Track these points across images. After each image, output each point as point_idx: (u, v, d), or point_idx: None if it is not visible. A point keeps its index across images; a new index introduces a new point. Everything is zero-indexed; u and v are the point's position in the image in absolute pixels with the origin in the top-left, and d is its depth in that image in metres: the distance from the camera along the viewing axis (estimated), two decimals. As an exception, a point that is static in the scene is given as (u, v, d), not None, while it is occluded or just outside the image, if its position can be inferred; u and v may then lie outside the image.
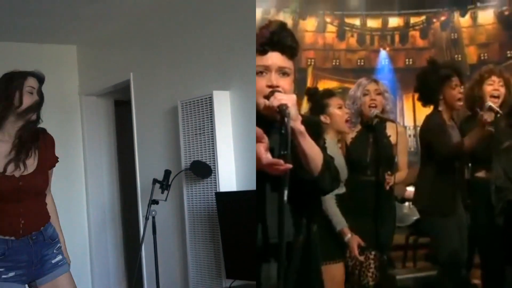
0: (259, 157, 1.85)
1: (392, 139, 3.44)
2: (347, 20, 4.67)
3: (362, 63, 4.60)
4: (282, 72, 2.07)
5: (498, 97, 3.53)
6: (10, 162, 3.07)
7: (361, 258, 3.27)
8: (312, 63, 4.55)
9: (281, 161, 1.86)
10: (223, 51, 4.74)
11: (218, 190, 4.74)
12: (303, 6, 4.48)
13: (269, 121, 2.01)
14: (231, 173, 4.84)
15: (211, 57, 4.89)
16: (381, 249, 3.36)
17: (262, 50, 2.07)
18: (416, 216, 4.04)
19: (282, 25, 2.10)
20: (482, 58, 4.80)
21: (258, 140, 1.88)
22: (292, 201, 1.95)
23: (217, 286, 4.84)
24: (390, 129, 3.44)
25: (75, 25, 6.01)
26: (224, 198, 4.64)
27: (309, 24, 4.59)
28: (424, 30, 4.73)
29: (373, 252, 3.35)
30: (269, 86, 2.04)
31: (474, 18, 4.96)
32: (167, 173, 5.15)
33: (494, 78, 3.58)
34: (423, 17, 4.76)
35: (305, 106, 3.87)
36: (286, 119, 1.91)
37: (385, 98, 3.43)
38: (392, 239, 3.57)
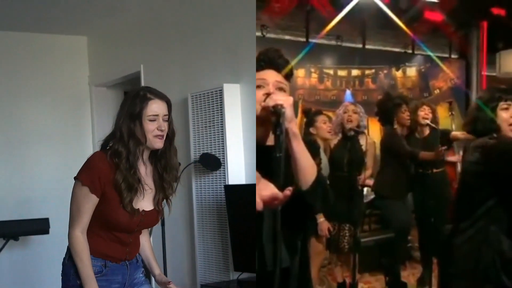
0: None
1: (364, 147, 2.92)
2: (325, 71, 4.26)
3: (334, 98, 4.17)
4: (279, 87, 1.34)
5: (428, 119, 3.14)
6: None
7: (328, 235, 2.70)
8: (302, 97, 4.09)
9: (279, 194, 1.07)
10: (233, 44, 3.11)
11: (227, 183, 3.04)
12: (297, 62, 4.00)
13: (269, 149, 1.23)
14: (240, 166, 3.10)
15: (221, 50, 3.19)
16: (354, 223, 2.82)
17: (259, 66, 1.37)
18: (371, 196, 3.41)
19: (276, 49, 1.41)
20: (409, 97, 4.29)
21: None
22: (285, 223, 1.16)
23: (225, 278, 3.11)
24: (362, 140, 2.93)
25: (87, 16, 3.95)
26: (233, 191, 2.98)
27: (300, 72, 4.12)
28: (374, 78, 4.40)
29: (347, 225, 2.82)
30: (267, 94, 1.31)
31: (404, 72, 4.61)
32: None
33: (424, 107, 3.17)
34: (373, 70, 4.39)
35: (299, 121, 3.27)
36: (281, 119, 1.16)
37: (360, 117, 2.92)
38: (362, 216, 3.07)
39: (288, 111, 1.17)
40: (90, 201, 1.76)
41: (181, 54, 3.58)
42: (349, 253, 2.75)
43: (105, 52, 4.46)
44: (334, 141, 2.94)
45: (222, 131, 3.08)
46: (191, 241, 3.42)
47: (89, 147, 4.58)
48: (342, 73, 4.27)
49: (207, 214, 3.26)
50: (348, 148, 2.77)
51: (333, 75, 4.26)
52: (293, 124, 1.20)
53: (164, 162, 1.84)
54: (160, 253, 3.23)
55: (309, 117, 2.99)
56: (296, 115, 3.45)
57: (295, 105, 3.77)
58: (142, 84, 4.01)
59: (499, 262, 1.64)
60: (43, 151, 4.47)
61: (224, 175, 3.07)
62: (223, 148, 3.08)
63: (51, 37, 4.44)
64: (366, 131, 3.04)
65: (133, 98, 1.79)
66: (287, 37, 4.40)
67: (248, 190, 2.90)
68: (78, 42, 4.57)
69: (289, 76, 1.38)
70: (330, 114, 3.27)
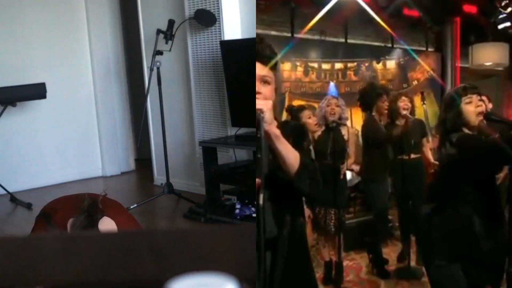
0: None
1: (346, 137, 3.06)
2: (310, 64, 4.24)
3: (319, 90, 4.16)
4: (263, 80, 1.30)
5: (407, 109, 3.19)
6: None
7: (309, 222, 2.81)
8: (288, 89, 4.05)
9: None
10: None
11: (222, 39, 2.90)
12: (283, 56, 4.00)
13: None
14: (236, 21, 2.94)
15: None
16: (339, 208, 2.93)
17: None
18: (356, 180, 3.57)
19: (261, 38, 1.39)
20: (389, 87, 4.37)
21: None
22: (274, 200, 1.24)
23: (223, 134, 3.08)
24: (344, 130, 3.07)
25: None
26: (229, 46, 2.83)
27: (286, 66, 4.10)
28: (356, 70, 4.40)
29: (333, 210, 2.93)
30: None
31: (384, 64, 4.66)
32: (171, 23, 3.15)
33: (403, 97, 3.23)
34: (355, 63, 4.42)
35: (285, 118, 3.30)
36: (261, 123, 1.18)
37: (342, 109, 3.04)
38: (347, 201, 3.23)
39: (267, 114, 1.19)
40: None
41: None
42: (335, 235, 2.85)
43: None
44: (318, 132, 3.02)
45: (217, -15, 2.79)
46: (188, 99, 3.34)
47: (81, 8, 4.37)
48: (326, 66, 4.34)
49: (203, 72, 3.15)
50: (331, 138, 2.87)
51: (318, 68, 4.33)
52: (273, 126, 1.21)
53: None
54: (157, 112, 3.21)
55: (293, 113, 3.05)
56: (283, 107, 3.57)
57: (284, 96, 3.76)
58: None
59: (472, 239, 1.76)
60: (32, 15, 4.29)
61: (220, 31, 2.94)
62: (218, 3, 2.90)
63: None
64: (347, 122, 3.13)
65: None
66: (273, 33, 4.46)
67: (245, 45, 2.82)
68: None
69: (273, 66, 1.32)
70: (315, 105, 3.34)
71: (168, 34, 3.19)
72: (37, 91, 3.88)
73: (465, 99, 1.90)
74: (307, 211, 2.78)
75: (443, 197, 1.93)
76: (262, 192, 1.13)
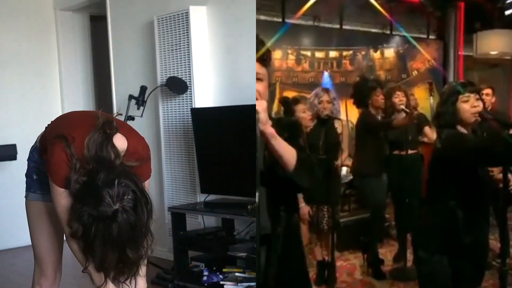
0: None
1: (339, 130, 3.10)
2: (302, 52, 4.30)
3: (312, 80, 4.23)
4: (257, 77, 1.39)
5: (403, 103, 3.27)
6: None
7: (309, 219, 2.91)
8: (279, 79, 4.11)
9: None
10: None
11: (193, 106, 3.15)
12: (273, 43, 4.00)
13: None
14: (208, 89, 3.18)
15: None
16: (332, 204, 2.99)
17: None
18: (350, 176, 3.67)
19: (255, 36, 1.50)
20: (387, 78, 4.53)
21: None
22: (270, 196, 1.34)
23: (192, 200, 3.30)
24: (337, 124, 3.10)
25: None
26: (199, 114, 3.08)
27: (277, 54, 4.14)
28: (352, 59, 4.46)
29: (326, 207, 2.99)
30: None
31: (382, 53, 4.73)
32: (143, 89, 3.40)
33: (398, 92, 3.31)
34: (351, 52, 4.49)
35: (276, 108, 3.39)
36: (256, 123, 1.28)
37: (333, 104, 3.08)
38: (339, 197, 3.33)
39: (262, 115, 1.27)
40: None
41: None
42: (328, 233, 2.93)
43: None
44: (310, 125, 3.07)
45: (189, 54, 3.17)
46: (159, 165, 3.53)
47: (55, 72, 4.68)
48: (319, 54, 4.35)
49: (174, 138, 3.38)
50: (323, 132, 2.93)
51: (311, 57, 4.34)
52: (268, 126, 1.29)
53: None
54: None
55: (287, 106, 3.10)
56: (273, 98, 3.64)
57: (274, 87, 3.89)
58: (108, 7, 4.05)
59: (454, 232, 1.91)
60: (8, 77, 4.52)
61: (191, 99, 3.18)
62: (190, 71, 3.17)
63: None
64: (340, 115, 3.20)
65: None
66: (262, 18, 4.49)
67: (215, 113, 3.05)
68: (42, -37, 4.49)
69: (266, 61, 1.40)
70: (308, 96, 3.40)
71: (140, 100, 3.39)
72: (7, 152, 4.00)
73: (462, 97, 1.96)
74: (306, 208, 2.86)
75: (430, 189, 2.05)
76: (257, 189, 1.23)
